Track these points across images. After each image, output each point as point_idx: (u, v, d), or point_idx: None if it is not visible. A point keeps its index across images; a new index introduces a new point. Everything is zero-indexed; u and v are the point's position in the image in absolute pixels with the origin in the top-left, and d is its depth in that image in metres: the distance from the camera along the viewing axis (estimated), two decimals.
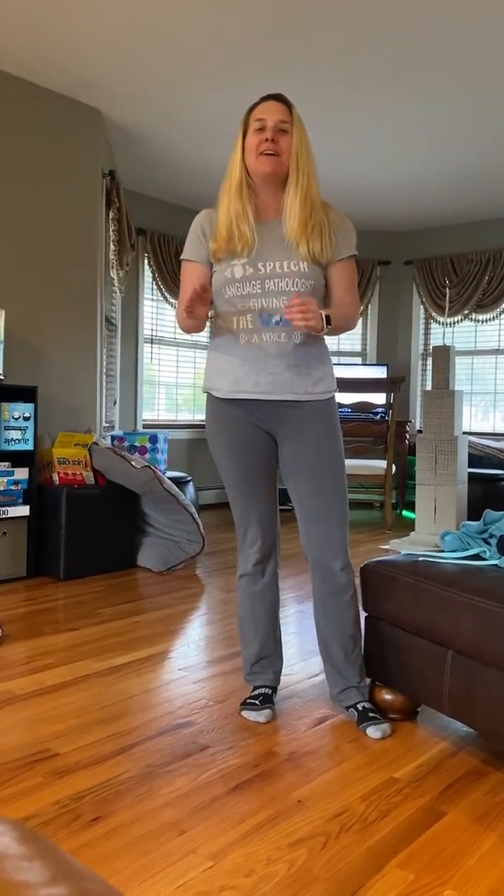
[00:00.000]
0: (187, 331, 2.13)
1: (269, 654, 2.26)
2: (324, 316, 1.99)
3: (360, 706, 2.14)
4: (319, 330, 1.99)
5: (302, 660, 2.66)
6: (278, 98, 2.06)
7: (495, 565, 2.04)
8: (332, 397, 2.16)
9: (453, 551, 2.19)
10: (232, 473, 2.16)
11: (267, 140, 2.01)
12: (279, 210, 2.10)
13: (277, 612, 2.28)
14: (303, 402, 2.10)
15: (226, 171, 2.14)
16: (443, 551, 2.21)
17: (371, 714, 2.11)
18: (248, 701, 2.21)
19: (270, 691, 2.25)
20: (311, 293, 2.08)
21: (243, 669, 2.30)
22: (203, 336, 6.73)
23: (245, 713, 2.17)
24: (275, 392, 2.08)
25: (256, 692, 2.23)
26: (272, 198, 2.10)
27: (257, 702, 2.19)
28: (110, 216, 4.87)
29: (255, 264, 2.06)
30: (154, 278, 6.15)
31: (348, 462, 5.77)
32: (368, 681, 2.20)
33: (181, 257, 2.19)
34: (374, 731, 2.06)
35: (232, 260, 2.08)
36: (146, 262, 6.11)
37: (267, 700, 2.20)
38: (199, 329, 2.12)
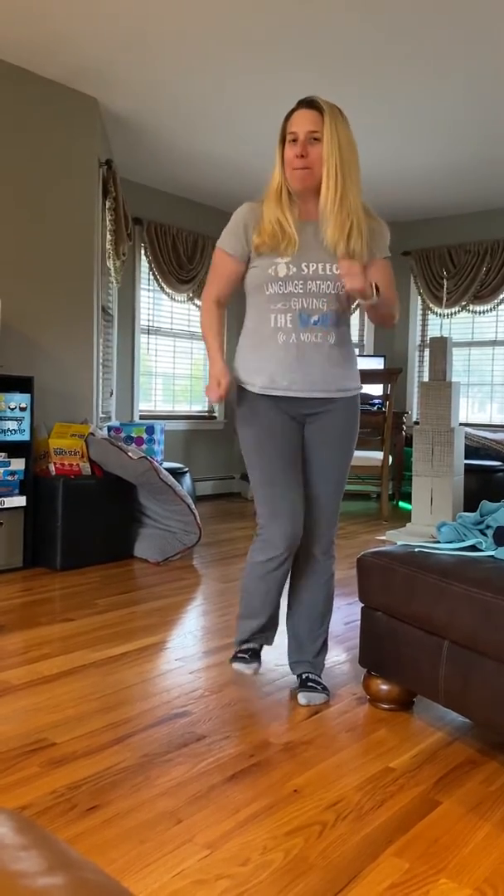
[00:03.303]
0: (208, 323, 2.23)
1: (270, 625, 2.28)
2: (373, 284, 2.03)
3: (304, 675, 2.29)
4: (369, 296, 2.01)
5: None
6: (310, 105, 2.07)
7: (491, 556, 2.04)
8: (359, 394, 2.26)
9: (449, 542, 2.19)
10: (263, 462, 2.16)
11: (297, 156, 2.05)
12: (318, 212, 2.13)
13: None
14: (334, 399, 2.19)
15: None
16: (439, 542, 2.21)
17: (310, 684, 2.26)
18: (238, 655, 2.25)
19: (260, 647, 2.29)
20: (346, 297, 2.13)
21: (239, 634, 2.28)
22: (199, 327, 6.70)
23: (236, 665, 2.22)
24: (309, 390, 2.15)
25: (247, 646, 2.26)
26: (312, 203, 2.13)
27: (247, 655, 2.23)
28: (107, 205, 4.85)
29: (299, 264, 2.09)
30: (150, 268, 6.13)
31: None
32: (324, 659, 2.34)
33: (218, 244, 2.20)
34: (302, 697, 2.22)
35: (275, 257, 2.10)
36: (143, 251, 6.09)
37: (256, 655, 2.25)
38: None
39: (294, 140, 2.06)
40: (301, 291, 2.09)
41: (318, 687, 2.25)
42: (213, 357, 2.19)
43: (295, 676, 2.33)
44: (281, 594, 2.25)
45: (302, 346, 2.11)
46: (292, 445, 2.18)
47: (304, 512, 2.23)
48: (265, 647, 2.33)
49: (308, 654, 2.30)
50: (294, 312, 2.10)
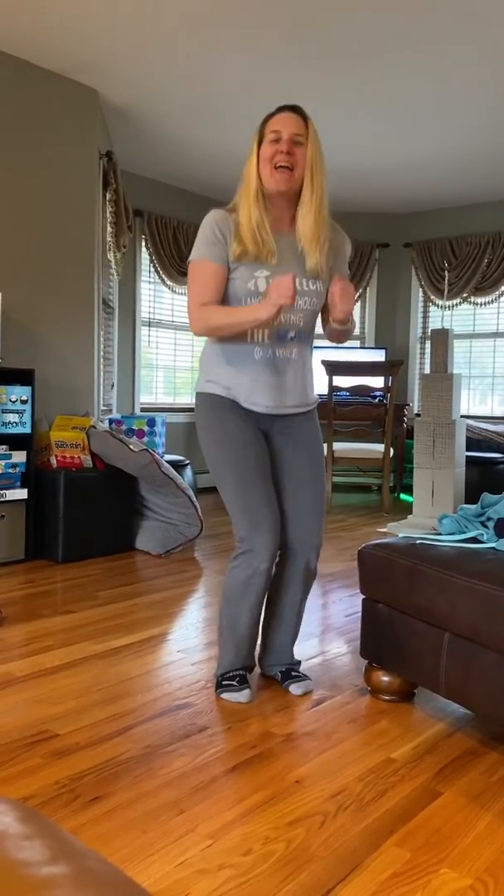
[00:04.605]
0: (209, 333, 2.09)
1: (254, 644, 2.24)
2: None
3: (284, 669, 2.29)
4: (347, 321, 2.09)
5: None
6: (294, 109, 2.03)
7: (493, 548, 2.04)
8: (317, 405, 2.32)
9: (451, 534, 2.19)
10: (239, 471, 2.10)
11: (282, 152, 1.99)
12: (291, 222, 2.11)
13: None
14: (302, 413, 2.23)
15: (241, 177, 2.09)
16: (440, 534, 2.21)
17: (294, 673, 2.25)
18: (224, 683, 2.19)
19: (245, 671, 2.24)
20: (316, 311, 2.16)
21: (224, 661, 2.21)
22: None
23: (226, 695, 2.16)
24: (283, 407, 2.17)
25: (234, 673, 2.20)
26: (285, 210, 2.10)
27: (235, 682, 2.18)
28: (107, 197, 4.84)
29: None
30: (151, 260, 6.11)
31: (347, 446, 5.78)
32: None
33: (193, 257, 2.09)
34: (296, 689, 2.22)
35: (255, 270, 2.06)
36: (143, 243, 6.08)
37: (244, 680, 2.19)
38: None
39: (276, 139, 2.00)
40: None
41: (303, 675, 2.26)
42: (247, 309, 1.99)
43: (270, 674, 2.31)
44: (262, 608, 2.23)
45: (277, 362, 2.12)
46: (264, 455, 2.15)
47: (293, 523, 2.20)
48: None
49: (289, 654, 2.30)
50: (272, 328, 2.07)
